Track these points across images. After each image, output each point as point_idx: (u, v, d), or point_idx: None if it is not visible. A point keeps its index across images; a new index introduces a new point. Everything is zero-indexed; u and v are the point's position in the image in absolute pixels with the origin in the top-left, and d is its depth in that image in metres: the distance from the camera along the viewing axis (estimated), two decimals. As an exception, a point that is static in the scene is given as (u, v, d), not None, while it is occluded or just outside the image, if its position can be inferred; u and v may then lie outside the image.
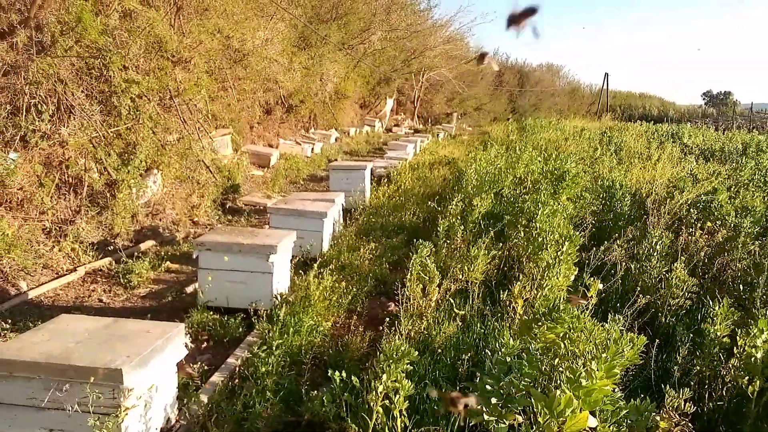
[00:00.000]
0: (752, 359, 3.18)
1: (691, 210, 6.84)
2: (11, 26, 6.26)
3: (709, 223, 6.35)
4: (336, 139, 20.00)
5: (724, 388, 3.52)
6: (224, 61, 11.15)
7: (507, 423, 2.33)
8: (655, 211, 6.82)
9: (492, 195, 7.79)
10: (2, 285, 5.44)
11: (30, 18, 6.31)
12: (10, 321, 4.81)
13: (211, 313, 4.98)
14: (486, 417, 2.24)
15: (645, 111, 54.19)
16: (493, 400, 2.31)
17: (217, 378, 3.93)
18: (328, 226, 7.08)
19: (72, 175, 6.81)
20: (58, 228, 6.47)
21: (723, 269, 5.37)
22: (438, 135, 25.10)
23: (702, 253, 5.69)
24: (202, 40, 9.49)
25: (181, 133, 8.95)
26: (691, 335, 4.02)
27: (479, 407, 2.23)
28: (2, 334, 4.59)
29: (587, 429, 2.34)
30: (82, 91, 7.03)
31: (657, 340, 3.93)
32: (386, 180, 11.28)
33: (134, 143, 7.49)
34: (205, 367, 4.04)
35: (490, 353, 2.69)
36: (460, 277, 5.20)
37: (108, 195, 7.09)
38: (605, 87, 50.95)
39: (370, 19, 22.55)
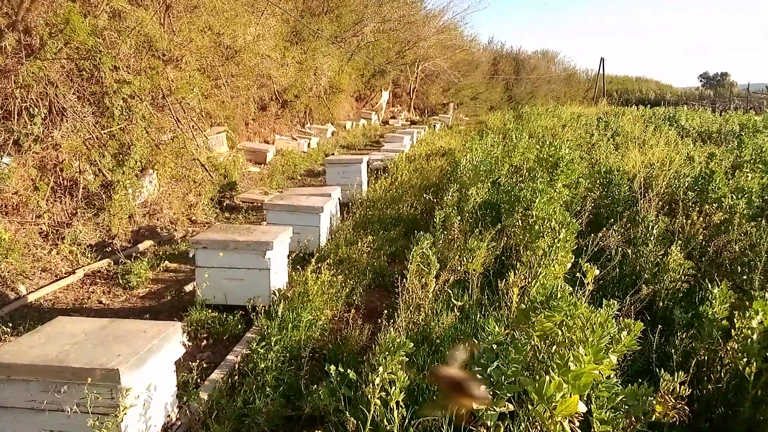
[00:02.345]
0: (749, 341, 3.18)
1: (689, 193, 6.83)
2: None
3: (706, 206, 6.34)
4: (332, 134, 19.97)
5: (723, 371, 3.53)
6: (216, 59, 11.12)
7: (498, 410, 2.33)
8: (649, 193, 6.80)
9: (488, 184, 7.78)
10: (1, 289, 5.45)
11: (18, 21, 6.28)
12: (10, 325, 4.82)
13: (210, 310, 4.99)
14: (475, 405, 2.24)
15: (642, 95, 54.20)
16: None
17: (216, 375, 3.94)
18: (324, 220, 7.08)
19: (67, 178, 6.80)
20: (55, 231, 6.47)
21: (720, 251, 5.36)
22: (435, 126, 25.05)
23: (699, 236, 5.69)
24: (193, 38, 9.46)
25: (175, 132, 8.94)
26: (690, 319, 4.03)
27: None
28: (2, 337, 4.60)
29: (578, 413, 2.34)
30: (74, 93, 7.02)
31: (657, 325, 3.94)
32: (383, 173, 11.27)
33: (128, 144, 7.47)
34: (205, 365, 4.05)
35: (477, 342, 2.69)
36: (459, 268, 5.21)
37: (104, 196, 7.08)
38: (601, 72, 50.81)
39: (362, 11, 22.49)
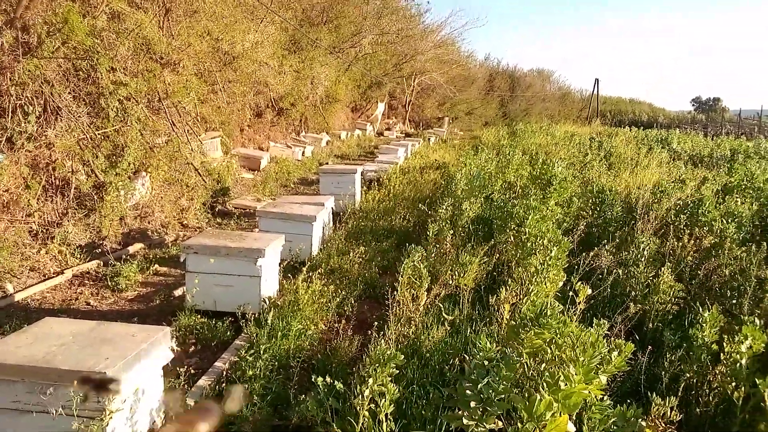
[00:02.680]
0: (737, 365, 3.20)
1: (680, 216, 6.88)
2: (-2, 27, 6.21)
3: (696, 229, 6.39)
4: (327, 143, 19.98)
5: (712, 394, 3.54)
6: (214, 64, 11.12)
7: (487, 427, 2.32)
8: (643, 216, 6.85)
9: (482, 199, 7.81)
10: (-13, 287, 5.38)
11: (16, 19, 6.26)
12: (-6, 324, 4.76)
13: (199, 316, 4.95)
14: (465, 421, 2.23)
15: (635, 116, 54.70)
16: (472, 404, 2.30)
17: (204, 382, 3.90)
18: (317, 229, 7.06)
19: (59, 177, 6.76)
20: (44, 230, 6.41)
21: (710, 275, 5.40)
22: (429, 139, 25.15)
23: (689, 259, 5.73)
24: (191, 43, 9.46)
25: (169, 135, 8.91)
26: (679, 341, 4.04)
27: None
28: (-14, 337, 4.54)
29: (569, 434, 2.34)
30: (69, 93, 6.98)
31: (647, 346, 3.94)
32: (377, 184, 11.28)
33: (122, 145, 7.44)
34: (192, 371, 4.01)
35: (468, 357, 2.68)
36: (450, 282, 5.21)
37: (96, 197, 7.03)
38: (595, 92, 51.27)
39: (361, 23, 22.60)
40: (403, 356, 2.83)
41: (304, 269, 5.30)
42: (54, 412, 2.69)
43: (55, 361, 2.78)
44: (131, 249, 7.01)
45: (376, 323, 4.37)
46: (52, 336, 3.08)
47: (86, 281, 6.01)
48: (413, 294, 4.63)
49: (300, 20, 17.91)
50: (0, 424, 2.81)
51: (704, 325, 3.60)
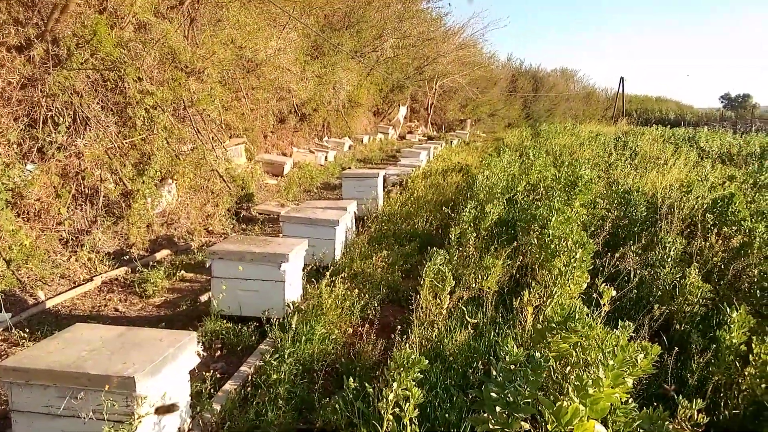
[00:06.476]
0: (767, 367, 3.14)
1: (707, 215, 6.77)
2: (28, 40, 6.38)
3: (725, 229, 6.28)
4: (349, 147, 20.07)
5: (740, 397, 3.48)
6: (237, 71, 11.27)
7: (513, 430, 2.32)
8: (668, 215, 6.75)
9: (504, 201, 7.77)
10: (20, 294, 5.52)
11: (47, 32, 6.43)
12: (27, 330, 4.86)
13: (225, 321, 5.01)
14: (491, 425, 2.23)
15: (662, 115, 53.91)
16: (498, 408, 2.30)
17: (229, 386, 3.95)
18: (340, 234, 7.10)
19: (88, 186, 6.91)
20: (74, 238, 6.56)
21: (738, 275, 5.30)
22: (451, 142, 25.07)
23: (717, 259, 5.63)
24: (215, 51, 9.58)
25: (195, 143, 9.05)
26: (707, 343, 3.98)
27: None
28: (20, 342, 4.66)
29: (594, 438, 2.32)
30: (98, 103, 7.14)
31: (672, 348, 3.89)
32: (399, 187, 11.29)
33: (149, 154, 7.58)
34: (218, 375, 4.07)
35: (495, 361, 2.68)
36: (473, 285, 5.20)
37: (123, 205, 7.17)
38: (621, 91, 50.61)
39: (383, 27, 22.64)
40: (427, 361, 2.84)
41: (328, 274, 5.33)
42: (84, 416, 2.76)
43: (86, 365, 2.85)
44: (158, 255, 7.13)
45: (399, 327, 4.39)
46: (83, 341, 3.15)
47: (115, 288, 6.13)
48: (436, 297, 4.63)
49: (322, 26, 18.03)
50: (33, 428, 2.88)
51: (732, 326, 3.54)
